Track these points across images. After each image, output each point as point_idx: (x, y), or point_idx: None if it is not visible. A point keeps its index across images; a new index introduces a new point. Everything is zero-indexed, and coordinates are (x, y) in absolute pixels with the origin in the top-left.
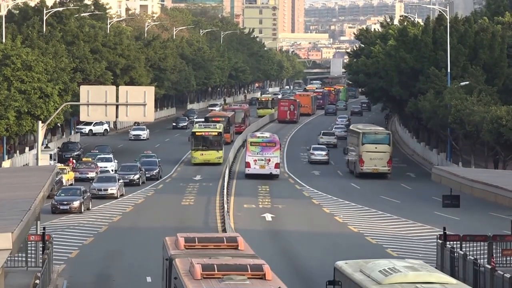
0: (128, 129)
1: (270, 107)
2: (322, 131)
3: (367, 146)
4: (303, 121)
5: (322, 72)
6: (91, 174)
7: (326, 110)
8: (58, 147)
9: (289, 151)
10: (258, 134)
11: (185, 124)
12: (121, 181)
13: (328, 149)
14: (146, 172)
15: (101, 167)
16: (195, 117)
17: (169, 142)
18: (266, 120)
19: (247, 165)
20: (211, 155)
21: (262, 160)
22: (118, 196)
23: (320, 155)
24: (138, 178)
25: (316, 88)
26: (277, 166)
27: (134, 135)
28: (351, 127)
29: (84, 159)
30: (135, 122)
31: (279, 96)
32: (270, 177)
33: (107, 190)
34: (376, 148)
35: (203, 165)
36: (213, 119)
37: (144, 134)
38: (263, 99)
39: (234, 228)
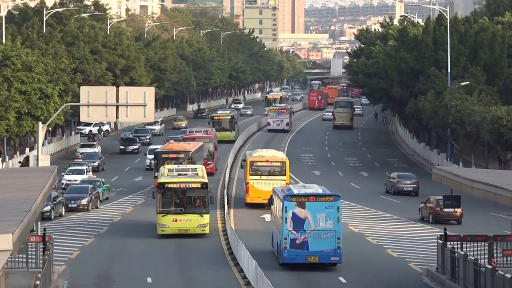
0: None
1: (229, 128)
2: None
3: (338, 109)
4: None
5: (322, 72)
6: None
7: None
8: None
9: (290, 151)
10: (276, 104)
11: (136, 147)
12: None
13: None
14: (72, 202)
15: (69, 181)
16: (147, 137)
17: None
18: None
19: (268, 124)
20: (191, 222)
21: (278, 120)
22: None
23: (328, 115)
24: (50, 211)
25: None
26: (287, 124)
27: (81, 153)
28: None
29: None
30: (90, 136)
31: (241, 106)
32: (283, 131)
33: None
34: (343, 110)
35: (177, 237)
36: (168, 155)
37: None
38: (220, 118)
39: (234, 228)
